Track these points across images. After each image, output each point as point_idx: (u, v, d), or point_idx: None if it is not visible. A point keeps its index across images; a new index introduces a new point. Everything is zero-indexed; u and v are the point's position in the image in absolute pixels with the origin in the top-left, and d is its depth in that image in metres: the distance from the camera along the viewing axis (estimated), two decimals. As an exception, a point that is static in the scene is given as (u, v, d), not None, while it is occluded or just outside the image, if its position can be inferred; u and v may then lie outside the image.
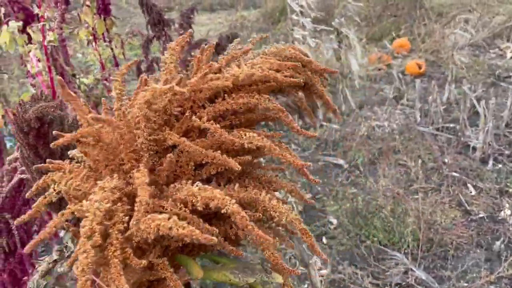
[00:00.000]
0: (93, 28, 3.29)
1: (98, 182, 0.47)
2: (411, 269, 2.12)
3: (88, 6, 3.14)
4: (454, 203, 2.61)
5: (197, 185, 0.45)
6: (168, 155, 0.48)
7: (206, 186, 0.45)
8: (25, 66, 2.75)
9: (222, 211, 0.43)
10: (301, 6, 4.05)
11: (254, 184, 0.55)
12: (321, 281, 2.17)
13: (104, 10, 2.99)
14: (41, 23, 2.22)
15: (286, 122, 0.59)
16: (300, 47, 0.62)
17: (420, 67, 4.93)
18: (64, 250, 0.62)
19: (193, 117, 0.51)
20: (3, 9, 2.37)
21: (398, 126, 3.66)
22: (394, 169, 2.73)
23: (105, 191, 0.45)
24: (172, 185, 0.48)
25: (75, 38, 3.55)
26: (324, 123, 4.05)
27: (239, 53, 0.57)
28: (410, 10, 6.96)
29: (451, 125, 3.60)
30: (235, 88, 0.54)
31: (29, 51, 2.53)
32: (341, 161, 3.26)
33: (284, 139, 3.66)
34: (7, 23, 2.73)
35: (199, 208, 0.44)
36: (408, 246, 2.26)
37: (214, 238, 0.40)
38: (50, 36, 2.14)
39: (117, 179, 0.48)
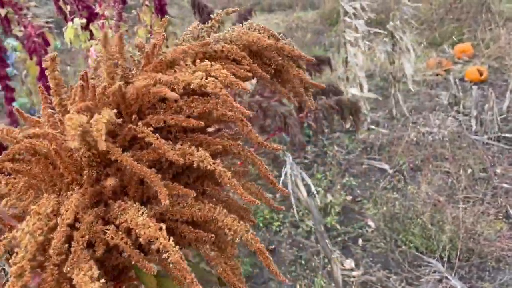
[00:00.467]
0: (151, 27, 3.48)
1: (32, 205, 0.42)
2: (446, 277, 2.08)
3: (147, 5, 3.33)
4: (501, 215, 2.52)
5: (142, 214, 0.42)
6: (109, 179, 0.44)
7: (150, 221, 0.41)
8: (86, 59, 2.97)
9: (164, 256, 0.41)
10: (355, 8, 4.03)
11: (208, 199, 0.50)
12: (352, 282, 2.18)
13: (160, 10, 3.16)
14: (101, 21, 2.39)
15: (244, 131, 0.50)
16: (269, 28, 0.56)
17: (481, 74, 4.73)
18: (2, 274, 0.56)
19: (138, 125, 0.45)
20: (69, 7, 2.57)
21: (450, 134, 3.55)
22: (437, 176, 2.67)
23: (40, 218, 0.40)
24: (117, 203, 0.44)
25: (135, 36, 3.76)
26: (373, 127, 4.01)
27: (195, 47, 0.50)
28: (476, 14, 6.68)
29: (508, 135, 3.44)
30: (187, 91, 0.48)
31: (90, 46, 2.73)
32: (385, 166, 3.22)
33: (328, 140, 3.67)
34: (72, 20, 2.96)
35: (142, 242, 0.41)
36: (445, 254, 2.22)
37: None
38: (111, 33, 2.31)
39: (55, 199, 0.42)
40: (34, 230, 0.39)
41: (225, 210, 0.46)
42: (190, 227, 0.48)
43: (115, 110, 0.42)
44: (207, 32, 0.57)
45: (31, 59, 2.00)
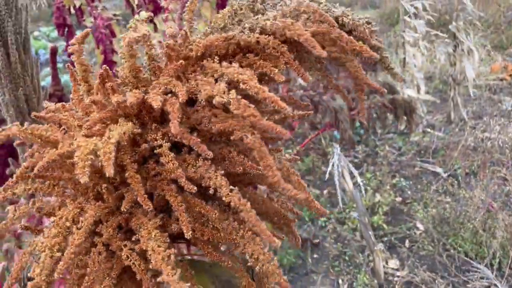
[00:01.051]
0: (210, 22, 3.60)
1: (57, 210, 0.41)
2: (495, 285, 2.02)
3: (208, 1, 3.45)
4: (559, 226, 2.39)
5: (155, 236, 0.39)
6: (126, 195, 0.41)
7: (161, 246, 0.38)
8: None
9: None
10: (416, 8, 3.95)
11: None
12: (396, 281, 2.17)
13: (222, 5, 3.26)
14: (166, 14, 2.52)
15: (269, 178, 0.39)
16: (322, 11, 0.44)
17: (548, 80, 4.48)
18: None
19: (157, 139, 0.41)
20: (136, 1, 2.73)
21: (510, 140, 3.40)
22: (493, 182, 2.59)
23: (59, 231, 0.38)
24: (135, 217, 0.41)
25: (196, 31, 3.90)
26: (428, 130, 3.91)
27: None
28: (548, 17, 6.31)
29: None
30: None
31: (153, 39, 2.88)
32: (438, 169, 3.14)
33: (380, 141, 3.63)
34: (138, 13, 3.13)
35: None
36: (495, 261, 2.15)
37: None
38: (172, 26, 2.43)
39: (76, 208, 0.40)
40: (53, 245, 0.38)
41: (249, 233, 0.41)
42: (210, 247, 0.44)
43: (134, 120, 0.40)
44: (246, 12, 0.47)
45: (97, 48, 2.15)
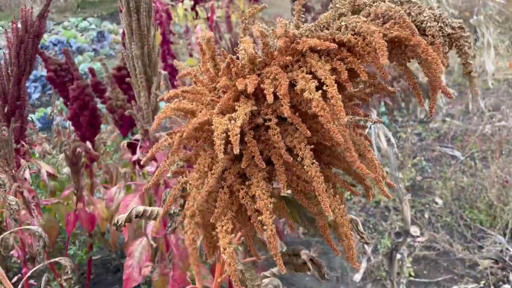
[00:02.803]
0: (242, 12, 3.85)
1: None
2: (507, 249, 2.23)
3: (243, -7, 3.70)
4: None
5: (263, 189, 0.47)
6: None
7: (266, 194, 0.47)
8: (188, 38, 3.39)
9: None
10: (439, 2, 4.14)
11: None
12: (416, 246, 2.40)
13: (256, -2, 3.51)
14: (211, 2, 2.77)
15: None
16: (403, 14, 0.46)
17: None
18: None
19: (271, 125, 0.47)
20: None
21: (526, 128, 3.59)
22: (508, 159, 2.79)
23: (200, 175, 0.47)
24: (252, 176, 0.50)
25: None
26: (447, 119, 4.11)
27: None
28: None
29: None
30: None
31: (196, 25, 3.14)
32: (457, 153, 3.35)
33: (401, 128, 3.85)
34: (182, 1, 3.39)
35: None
36: (508, 230, 2.36)
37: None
38: (219, 13, 2.68)
39: (209, 156, 0.49)
40: (197, 185, 0.48)
41: (331, 190, 0.48)
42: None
43: (251, 98, 0.48)
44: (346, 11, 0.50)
45: (157, 29, 2.42)
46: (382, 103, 3.09)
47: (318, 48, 0.46)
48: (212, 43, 0.52)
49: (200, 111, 0.51)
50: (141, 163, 0.51)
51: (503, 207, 2.41)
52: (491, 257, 2.25)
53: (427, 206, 2.75)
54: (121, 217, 0.65)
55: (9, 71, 1.28)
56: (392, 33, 0.46)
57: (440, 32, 0.46)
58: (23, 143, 1.38)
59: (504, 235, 2.38)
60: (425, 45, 0.45)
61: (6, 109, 1.29)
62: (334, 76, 0.45)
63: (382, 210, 2.71)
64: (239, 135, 0.44)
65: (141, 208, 0.65)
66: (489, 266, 2.20)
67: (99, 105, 2.02)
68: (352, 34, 0.46)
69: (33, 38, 1.27)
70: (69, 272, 1.10)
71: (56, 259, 1.07)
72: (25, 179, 1.31)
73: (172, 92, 0.52)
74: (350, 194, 2.79)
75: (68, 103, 1.93)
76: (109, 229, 1.90)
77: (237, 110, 0.47)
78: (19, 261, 1.81)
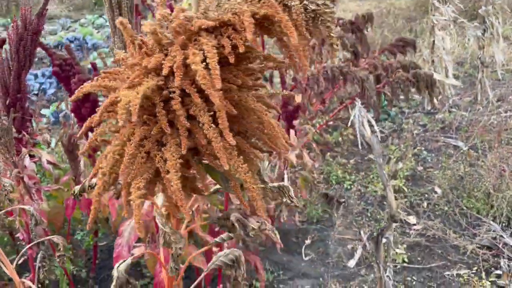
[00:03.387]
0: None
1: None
2: (501, 236, 2.27)
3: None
4: None
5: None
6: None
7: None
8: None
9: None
10: (445, -7, 4.13)
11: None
12: (411, 233, 2.45)
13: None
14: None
15: None
16: None
17: None
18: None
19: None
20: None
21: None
22: (507, 148, 2.80)
23: (118, 143, 0.57)
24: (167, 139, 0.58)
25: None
26: (454, 110, 4.10)
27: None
28: None
29: None
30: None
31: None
32: (460, 143, 3.37)
33: (407, 120, 3.87)
34: (187, -3, 3.47)
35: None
36: (506, 219, 2.39)
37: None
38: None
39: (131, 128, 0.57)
40: (115, 150, 0.56)
41: (234, 153, 0.56)
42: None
43: (160, 73, 0.54)
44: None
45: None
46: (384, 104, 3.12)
47: (204, 26, 0.53)
48: (129, 28, 0.59)
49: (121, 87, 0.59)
50: (77, 136, 0.60)
51: (498, 196, 2.44)
52: (484, 244, 2.29)
53: (426, 195, 2.78)
54: (76, 188, 0.74)
55: (10, 66, 1.39)
56: (260, 11, 0.51)
57: (303, 9, 0.52)
58: (24, 133, 1.49)
59: (502, 223, 2.41)
60: (285, 21, 0.51)
61: (7, 101, 1.40)
62: (216, 51, 0.51)
63: (380, 199, 2.76)
64: (138, 105, 0.51)
65: (94, 181, 0.73)
66: (481, 253, 2.24)
67: (102, 98, 2.13)
68: (232, 14, 0.53)
69: (32, 35, 1.37)
70: (61, 249, 1.20)
71: (50, 237, 1.17)
72: (25, 166, 1.42)
73: (102, 73, 0.61)
74: (350, 185, 2.83)
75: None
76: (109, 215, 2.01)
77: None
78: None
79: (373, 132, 1.62)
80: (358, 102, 1.64)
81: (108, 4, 1.10)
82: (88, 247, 2.38)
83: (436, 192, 2.81)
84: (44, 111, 4.24)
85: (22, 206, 1.12)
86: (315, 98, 2.85)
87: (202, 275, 0.97)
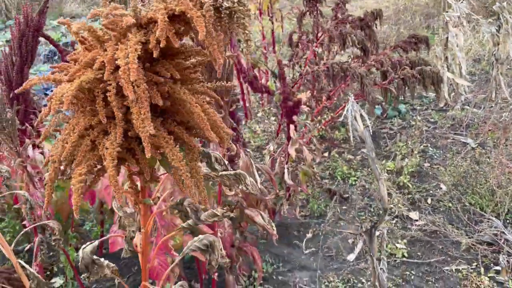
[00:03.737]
0: (259, 4, 3.95)
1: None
2: (503, 232, 2.25)
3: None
4: None
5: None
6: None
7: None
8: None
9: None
10: (458, -10, 4.08)
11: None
12: (413, 228, 2.45)
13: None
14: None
15: None
16: None
17: None
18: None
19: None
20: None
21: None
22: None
23: (67, 132, 0.66)
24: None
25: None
26: (467, 107, 4.06)
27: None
28: None
29: None
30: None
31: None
32: (469, 140, 3.34)
33: (419, 116, 3.85)
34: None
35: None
36: (509, 215, 2.37)
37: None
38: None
39: (82, 117, 0.66)
40: (63, 139, 0.64)
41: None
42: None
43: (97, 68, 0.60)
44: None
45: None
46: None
47: (130, 24, 0.57)
48: (72, 26, 0.64)
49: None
50: (35, 126, 0.66)
51: (502, 192, 2.42)
52: (485, 240, 2.28)
53: (430, 192, 2.78)
54: (46, 175, 0.80)
55: (13, 61, 1.47)
56: (176, 8, 0.56)
57: (213, 7, 0.56)
58: (27, 124, 1.57)
59: (506, 220, 2.40)
60: (196, 17, 0.54)
61: (11, 94, 1.48)
62: (138, 46, 0.56)
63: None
64: (70, 97, 0.57)
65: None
66: (482, 249, 2.23)
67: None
68: (154, 12, 0.58)
69: (33, 32, 1.45)
70: (56, 233, 1.27)
71: (45, 222, 1.25)
72: (28, 156, 1.50)
73: (51, 67, 0.67)
74: (354, 180, 2.85)
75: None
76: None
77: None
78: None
79: (365, 126, 1.64)
80: (351, 97, 1.67)
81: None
82: (96, 237, 2.47)
83: (441, 189, 2.80)
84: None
85: (17, 191, 1.20)
86: (318, 94, 2.87)
87: (177, 260, 1.02)
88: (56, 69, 0.66)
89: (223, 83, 0.73)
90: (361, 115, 1.69)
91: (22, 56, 1.43)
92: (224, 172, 0.80)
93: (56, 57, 5.91)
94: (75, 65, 0.64)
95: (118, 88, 0.59)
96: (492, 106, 3.98)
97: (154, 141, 0.61)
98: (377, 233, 1.82)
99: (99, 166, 0.65)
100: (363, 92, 2.38)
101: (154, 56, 0.56)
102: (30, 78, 0.64)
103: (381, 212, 2.61)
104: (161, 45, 0.56)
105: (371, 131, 2.17)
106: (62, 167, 0.62)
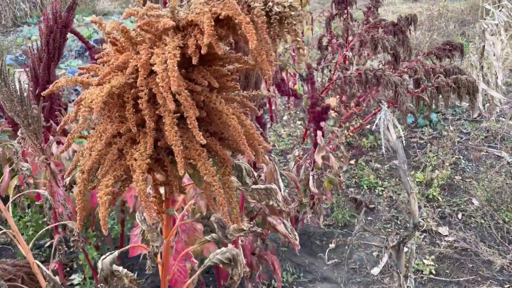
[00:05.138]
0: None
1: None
2: (539, 254, 2.13)
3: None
4: None
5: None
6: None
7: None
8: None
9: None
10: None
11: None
12: (442, 244, 2.35)
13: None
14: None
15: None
16: None
17: None
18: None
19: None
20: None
21: None
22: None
23: (95, 140, 0.60)
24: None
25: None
26: (502, 119, 3.90)
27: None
28: None
29: None
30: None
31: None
32: (504, 154, 3.19)
33: (451, 126, 3.71)
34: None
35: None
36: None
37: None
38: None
39: (108, 124, 0.58)
40: (90, 147, 0.58)
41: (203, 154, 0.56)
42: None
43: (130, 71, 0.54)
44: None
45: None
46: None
47: (167, 26, 0.52)
48: (105, 26, 0.59)
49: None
50: (57, 130, 0.62)
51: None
52: (519, 261, 2.16)
53: (461, 206, 2.66)
54: (67, 180, 0.76)
55: (40, 57, 1.46)
56: (221, 12, 0.49)
57: (263, 11, 0.50)
58: (52, 122, 1.56)
59: (541, 240, 2.27)
60: (245, 23, 0.48)
61: (37, 91, 1.47)
62: (177, 51, 0.51)
63: (412, 207, 2.66)
64: (100, 103, 0.52)
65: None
66: (516, 271, 2.11)
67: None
68: (196, 14, 0.52)
69: (61, 28, 1.43)
70: (75, 234, 1.25)
71: (63, 222, 1.22)
72: (52, 153, 1.48)
73: (79, 69, 0.62)
74: (381, 190, 2.76)
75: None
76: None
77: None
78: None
79: (398, 137, 1.56)
80: (384, 105, 1.59)
81: None
82: (116, 236, 2.46)
83: (472, 204, 2.68)
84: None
85: (37, 190, 1.18)
86: (347, 100, 2.79)
87: (198, 272, 0.97)
88: (84, 70, 0.61)
89: (260, 93, 0.67)
90: (394, 125, 1.62)
91: (50, 52, 1.42)
92: (254, 186, 0.74)
93: (87, 53, 6.00)
94: (103, 67, 0.60)
95: (150, 95, 0.54)
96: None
97: (186, 153, 0.56)
98: (405, 249, 1.73)
99: (125, 176, 0.61)
100: (397, 100, 2.29)
101: (193, 62, 0.51)
102: (58, 78, 0.60)
103: (409, 226, 2.51)
104: (202, 51, 0.50)
105: (403, 141, 2.08)
106: (86, 176, 0.58)
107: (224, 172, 0.58)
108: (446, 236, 2.43)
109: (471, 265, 2.22)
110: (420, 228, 2.52)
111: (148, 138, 0.55)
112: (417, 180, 2.94)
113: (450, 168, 2.98)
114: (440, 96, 2.79)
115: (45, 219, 1.69)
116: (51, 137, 1.53)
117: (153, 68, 0.51)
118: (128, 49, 0.57)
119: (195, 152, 0.54)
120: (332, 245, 2.40)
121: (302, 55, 0.51)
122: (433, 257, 2.27)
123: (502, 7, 4.10)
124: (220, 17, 0.50)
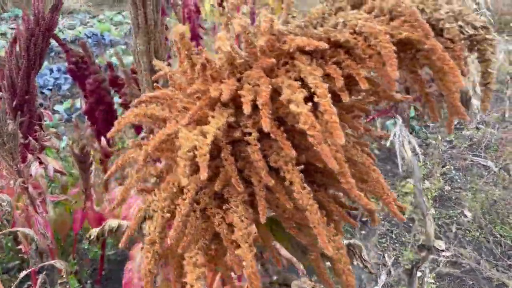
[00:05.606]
0: (272, 9, 3.77)
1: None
2: (540, 270, 2.08)
3: (272, -11, 3.62)
4: None
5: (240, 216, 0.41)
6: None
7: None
8: (215, 34, 3.33)
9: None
10: (478, 4, 3.94)
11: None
12: (441, 260, 2.27)
13: (286, -7, 3.42)
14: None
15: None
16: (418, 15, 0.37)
17: None
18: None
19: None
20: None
21: None
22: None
23: (167, 197, 0.42)
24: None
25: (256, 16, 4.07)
26: (482, 126, 3.91)
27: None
28: None
29: None
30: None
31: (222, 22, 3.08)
32: (490, 163, 3.18)
33: (432, 134, 3.69)
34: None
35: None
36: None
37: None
38: (244, 9, 2.61)
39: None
40: (163, 206, 0.42)
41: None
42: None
43: (230, 105, 0.40)
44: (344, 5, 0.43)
45: (183, 23, 2.36)
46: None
47: (307, 48, 0.38)
48: (186, 39, 0.44)
49: (175, 119, 0.45)
50: (105, 178, 0.46)
51: (538, 225, 2.26)
52: (521, 278, 2.11)
53: (454, 219, 2.60)
54: (93, 231, 0.60)
55: (19, 64, 1.26)
56: (401, 33, 0.37)
57: (461, 34, 0.37)
58: (31, 138, 1.36)
59: (538, 254, 2.23)
60: (441, 51, 0.37)
61: (14, 103, 1.27)
62: (326, 84, 0.37)
63: (406, 221, 2.59)
64: (208, 155, 0.36)
65: (115, 223, 0.59)
66: (519, 288, 2.06)
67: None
68: (351, 33, 0.38)
69: (44, 32, 1.24)
70: (64, 275, 1.06)
71: (51, 261, 1.03)
72: (31, 175, 1.28)
73: (143, 96, 0.46)
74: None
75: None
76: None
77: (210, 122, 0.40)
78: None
79: (414, 154, 1.46)
80: (399, 120, 1.49)
81: (132, 1, 0.96)
82: (94, 256, 2.25)
83: (465, 216, 2.63)
84: (57, 107, 4.15)
85: (21, 229, 0.99)
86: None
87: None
88: (148, 98, 0.45)
89: (378, 132, 0.53)
90: (409, 141, 1.52)
91: (30, 59, 1.22)
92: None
93: (52, 54, 5.66)
94: (176, 96, 0.43)
95: (258, 138, 0.39)
96: (506, 126, 3.84)
97: (298, 219, 0.41)
98: (419, 273, 1.63)
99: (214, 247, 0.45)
100: (396, 108, 2.20)
101: (344, 100, 0.36)
102: (124, 116, 0.43)
103: (410, 242, 2.43)
104: (362, 87, 0.36)
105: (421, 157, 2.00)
106: (158, 248, 0.41)
107: (335, 234, 0.43)
108: (443, 250, 2.36)
109: (471, 282, 2.15)
110: (415, 242, 2.44)
111: (260, 200, 0.39)
112: (406, 191, 2.87)
113: (441, 179, 2.93)
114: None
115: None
116: (29, 156, 1.32)
117: (291, 108, 0.36)
118: (224, 75, 0.41)
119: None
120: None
121: (490, 91, 0.37)
122: (433, 274, 2.18)
123: (480, 16, 4.13)
124: (391, 40, 0.35)
